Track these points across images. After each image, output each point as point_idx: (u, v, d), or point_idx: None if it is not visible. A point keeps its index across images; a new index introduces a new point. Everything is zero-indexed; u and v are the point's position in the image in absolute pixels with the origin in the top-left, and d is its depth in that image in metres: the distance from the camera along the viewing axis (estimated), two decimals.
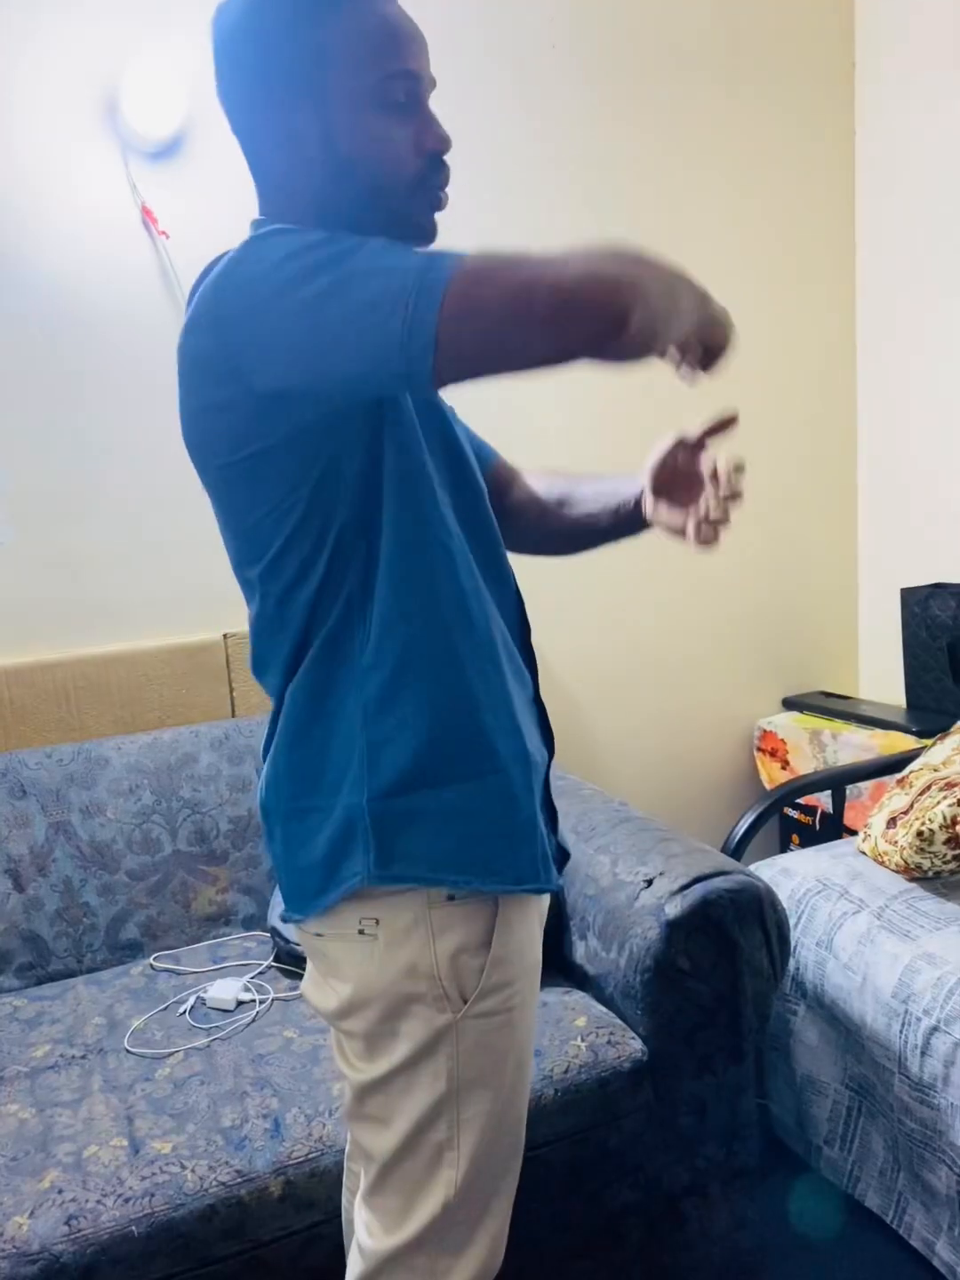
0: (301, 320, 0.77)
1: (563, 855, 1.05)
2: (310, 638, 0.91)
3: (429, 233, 0.94)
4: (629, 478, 1.13)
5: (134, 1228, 1.16)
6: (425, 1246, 0.93)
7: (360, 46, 0.88)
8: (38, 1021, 1.58)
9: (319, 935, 0.95)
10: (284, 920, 0.98)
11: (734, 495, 1.04)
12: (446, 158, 0.92)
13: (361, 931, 0.91)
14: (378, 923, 0.90)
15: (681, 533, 1.06)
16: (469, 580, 0.93)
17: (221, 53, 0.91)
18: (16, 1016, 1.60)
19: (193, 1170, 1.22)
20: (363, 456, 0.88)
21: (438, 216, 0.94)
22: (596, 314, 0.72)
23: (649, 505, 1.09)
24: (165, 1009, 1.59)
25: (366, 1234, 0.97)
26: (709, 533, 1.03)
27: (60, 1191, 1.19)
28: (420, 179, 0.91)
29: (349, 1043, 0.95)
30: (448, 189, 0.94)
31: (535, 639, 1.06)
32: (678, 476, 1.08)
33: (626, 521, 1.12)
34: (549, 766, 1.02)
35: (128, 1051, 1.48)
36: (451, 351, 0.74)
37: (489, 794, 0.91)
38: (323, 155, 0.89)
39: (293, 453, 0.86)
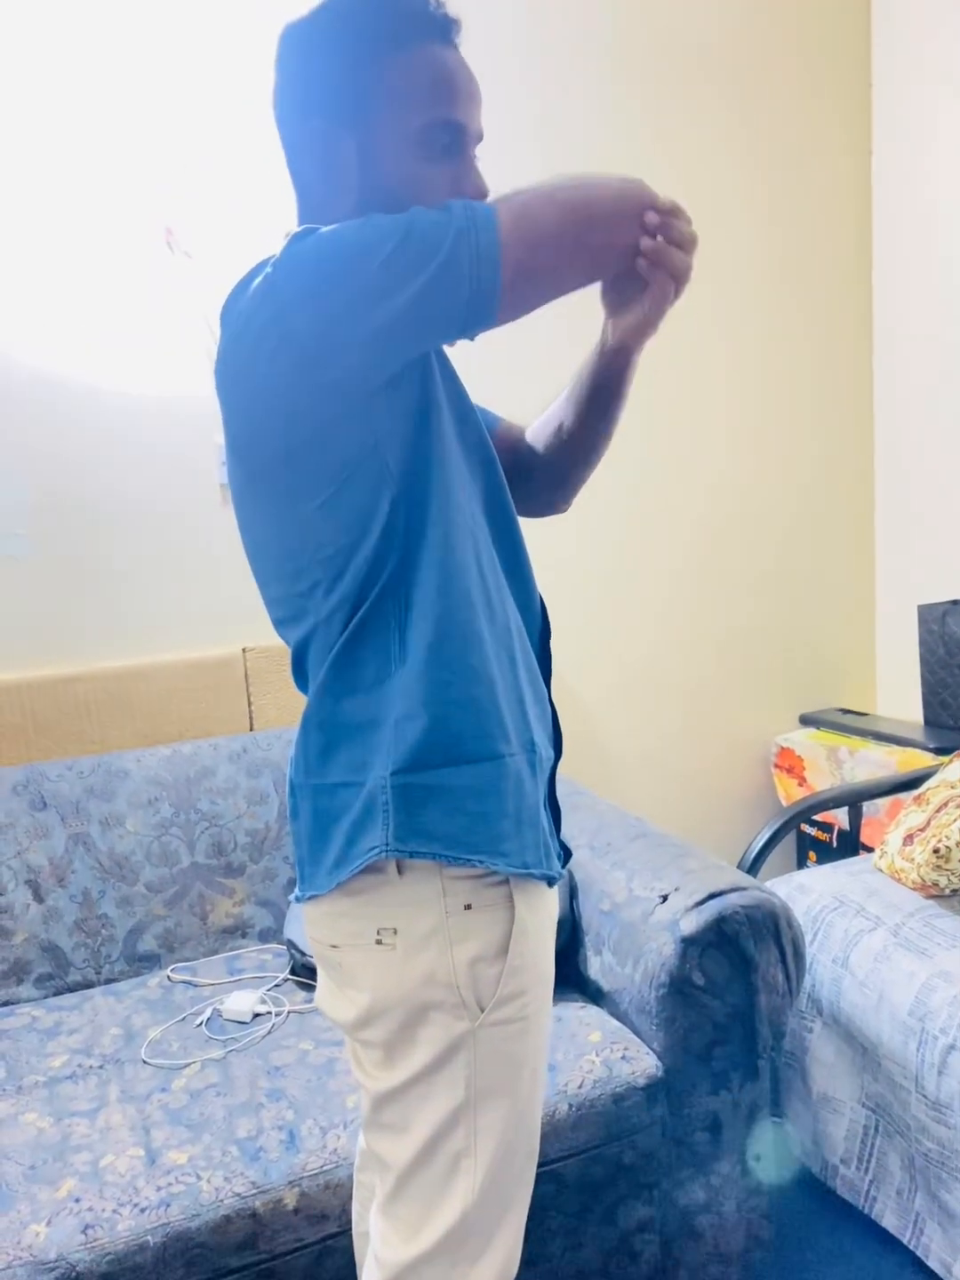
0: (360, 273, 0.82)
1: (566, 853, 1.06)
2: (349, 617, 0.91)
3: None
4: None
5: (149, 1237, 1.17)
6: (443, 1255, 0.93)
7: (412, 90, 0.91)
8: (56, 1031, 1.59)
9: (335, 946, 0.95)
10: (296, 902, 0.98)
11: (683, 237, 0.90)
12: None
13: (379, 941, 0.92)
14: (396, 932, 0.91)
15: (646, 310, 0.94)
16: (490, 567, 0.95)
17: (282, 64, 0.95)
18: (35, 1026, 1.61)
19: (208, 1181, 1.23)
20: (411, 433, 0.90)
21: None
22: (635, 210, 0.87)
23: (610, 326, 1.00)
24: (182, 1020, 1.60)
25: (383, 1244, 0.97)
26: (666, 267, 0.90)
27: (77, 1200, 1.20)
28: None
29: (367, 1052, 0.96)
30: None
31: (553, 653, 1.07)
32: (625, 281, 0.96)
33: (602, 372, 1.04)
34: (555, 768, 1.03)
35: (144, 1062, 1.49)
36: (518, 277, 0.84)
37: (502, 775, 0.92)
38: (360, 183, 0.92)
39: (346, 426, 0.87)
